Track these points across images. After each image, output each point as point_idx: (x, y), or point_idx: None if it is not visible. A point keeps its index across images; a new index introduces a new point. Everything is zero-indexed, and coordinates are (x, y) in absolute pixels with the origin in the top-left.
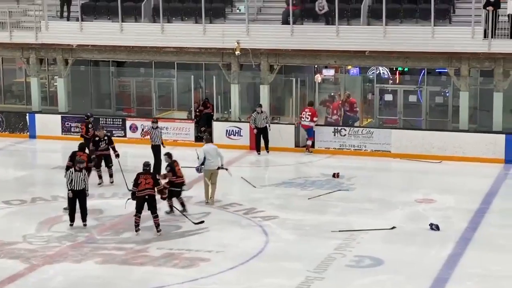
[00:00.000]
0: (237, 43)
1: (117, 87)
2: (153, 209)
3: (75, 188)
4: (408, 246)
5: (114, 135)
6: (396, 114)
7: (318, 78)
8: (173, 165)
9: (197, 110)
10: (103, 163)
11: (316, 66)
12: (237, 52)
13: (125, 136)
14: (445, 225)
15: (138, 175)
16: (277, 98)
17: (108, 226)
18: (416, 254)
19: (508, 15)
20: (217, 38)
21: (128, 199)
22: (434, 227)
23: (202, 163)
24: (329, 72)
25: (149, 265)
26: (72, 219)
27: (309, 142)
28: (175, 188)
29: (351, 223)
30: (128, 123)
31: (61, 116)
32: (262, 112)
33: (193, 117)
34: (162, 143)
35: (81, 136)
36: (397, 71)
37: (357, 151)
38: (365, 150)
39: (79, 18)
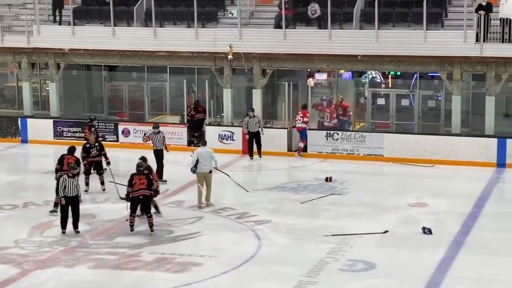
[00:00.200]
0: (230, 47)
1: (110, 92)
2: (147, 209)
3: (69, 195)
4: (400, 250)
5: (107, 139)
6: (389, 118)
7: (311, 82)
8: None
9: (189, 115)
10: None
11: (308, 70)
12: (229, 56)
13: (117, 140)
14: (437, 229)
15: (132, 175)
16: (270, 102)
17: (100, 230)
18: (408, 258)
19: (500, 19)
20: (210, 42)
21: (124, 199)
22: (427, 231)
23: (195, 165)
24: (321, 76)
25: (141, 269)
26: (64, 226)
27: (301, 145)
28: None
29: (343, 227)
30: (121, 128)
31: (53, 121)
32: (254, 116)
33: (185, 121)
34: (166, 148)
35: (85, 139)
36: (390, 75)
37: (349, 155)
38: (357, 154)
39: (71, 22)
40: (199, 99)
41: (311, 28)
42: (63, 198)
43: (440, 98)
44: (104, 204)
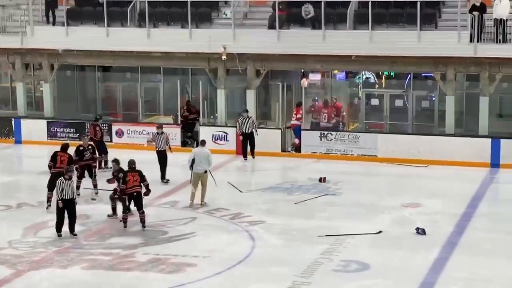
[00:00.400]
0: (224, 48)
1: (103, 92)
2: (140, 205)
3: (66, 197)
4: (394, 251)
5: None
6: (383, 118)
7: (305, 82)
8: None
9: (182, 116)
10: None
11: (302, 70)
12: (223, 57)
13: (111, 141)
14: (431, 229)
15: (126, 173)
16: (264, 103)
17: (94, 231)
18: (402, 259)
19: (494, 20)
20: (204, 43)
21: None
22: (421, 231)
23: (191, 165)
24: (315, 77)
25: (135, 270)
26: (59, 229)
27: (296, 141)
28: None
29: (337, 227)
30: (114, 128)
31: (47, 121)
32: (248, 117)
33: (179, 122)
34: (170, 148)
35: (90, 138)
36: (383, 76)
37: (343, 155)
38: (351, 154)
39: (65, 23)
40: (193, 99)
41: (305, 28)
42: (60, 201)
43: (434, 98)
44: (98, 204)
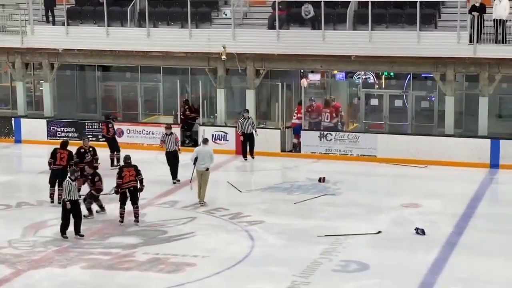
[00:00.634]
0: (223, 47)
1: (103, 92)
2: (135, 199)
3: (73, 198)
4: (394, 251)
5: (100, 139)
6: (382, 118)
7: (304, 82)
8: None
9: (184, 114)
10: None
11: (302, 70)
12: (223, 57)
13: None
14: (430, 229)
15: (122, 168)
16: (263, 103)
17: (94, 230)
18: (401, 259)
19: (494, 20)
20: (203, 42)
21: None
22: (420, 232)
23: (194, 162)
24: (315, 77)
25: (135, 270)
26: (65, 231)
27: (295, 140)
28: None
29: (337, 227)
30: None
31: (47, 121)
32: (249, 117)
33: (179, 121)
34: (179, 149)
35: (103, 136)
36: (383, 76)
37: (343, 155)
38: (351, 154)
39: (65, 23)
40: (193, 99)
41: (305, 28)
42: (68, 202)
43: (433, 99)
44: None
